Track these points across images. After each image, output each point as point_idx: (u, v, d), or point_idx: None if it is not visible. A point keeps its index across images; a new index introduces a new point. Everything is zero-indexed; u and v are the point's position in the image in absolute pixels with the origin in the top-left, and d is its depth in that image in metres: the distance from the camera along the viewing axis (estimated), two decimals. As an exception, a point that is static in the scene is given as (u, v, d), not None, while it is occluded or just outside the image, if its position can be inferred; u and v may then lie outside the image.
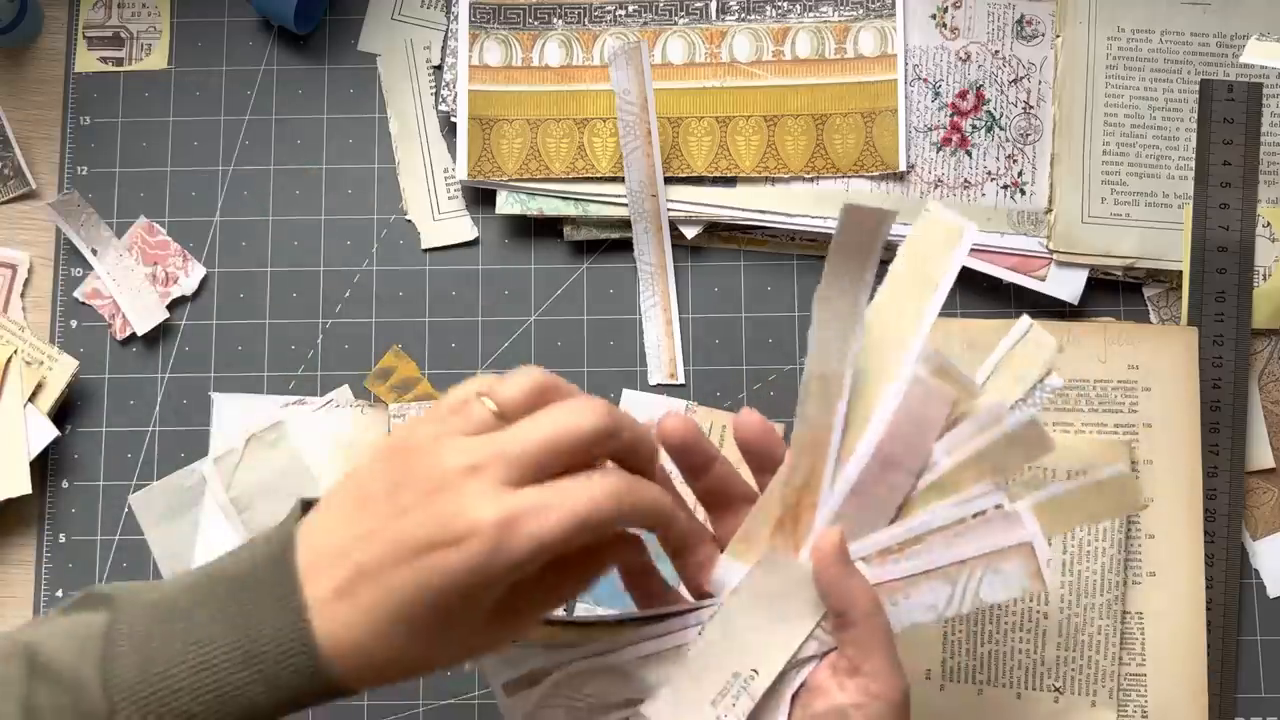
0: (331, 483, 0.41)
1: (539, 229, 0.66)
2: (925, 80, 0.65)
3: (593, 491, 0.37)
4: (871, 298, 0.45)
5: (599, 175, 0.64)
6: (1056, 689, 0.58)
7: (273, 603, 0.37)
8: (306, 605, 0.37)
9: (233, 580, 0.38)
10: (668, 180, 0.64)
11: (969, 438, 0.44)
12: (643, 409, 0.63)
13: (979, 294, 0.65)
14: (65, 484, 0.64)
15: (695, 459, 0.45)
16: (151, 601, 0.39)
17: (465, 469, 0.37)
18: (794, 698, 0.43)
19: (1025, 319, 0.47)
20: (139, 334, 0.65)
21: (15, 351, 0.63)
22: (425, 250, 0.66)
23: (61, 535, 0.64)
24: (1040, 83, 0.65)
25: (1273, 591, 0.62)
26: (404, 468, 0.38)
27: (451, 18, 0.66)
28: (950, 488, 0.44)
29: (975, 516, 0.43)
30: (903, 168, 0.64)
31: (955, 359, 0.59)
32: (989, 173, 0.64)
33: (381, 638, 0.37)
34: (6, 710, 0.36)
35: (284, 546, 0.38)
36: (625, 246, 0.65)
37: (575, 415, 0.39)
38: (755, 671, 0.43)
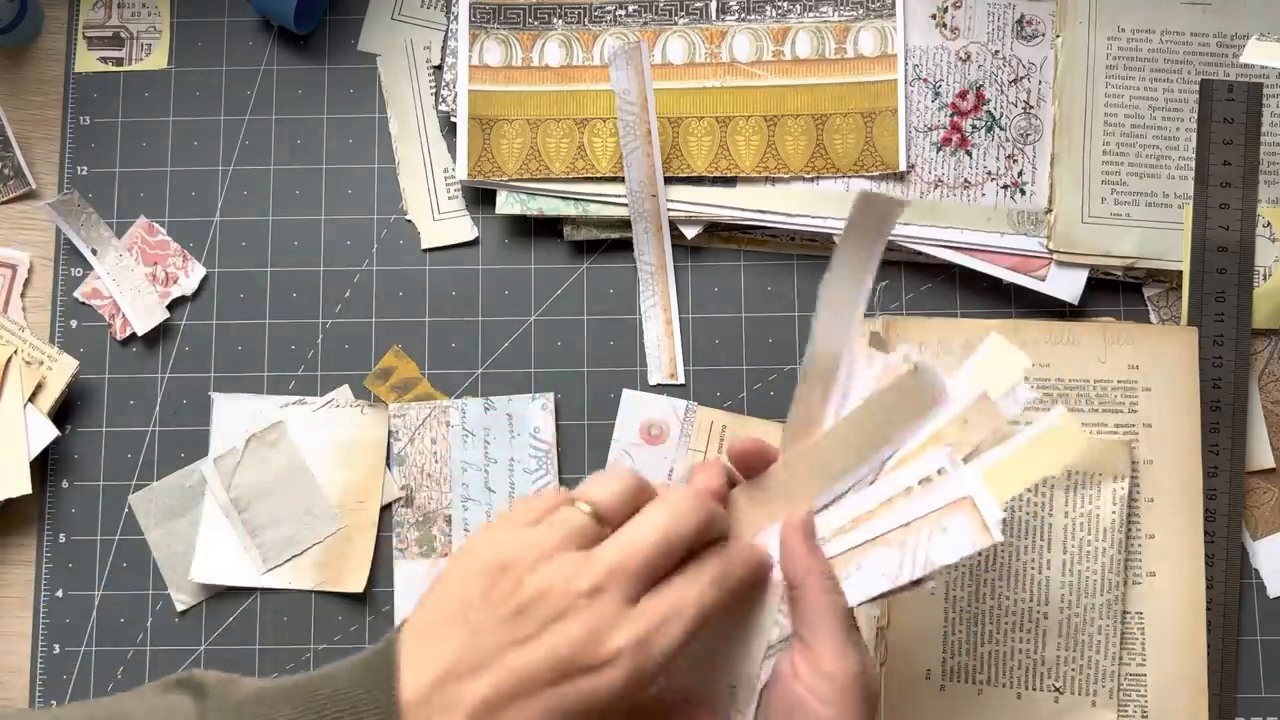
0: (421, 597, 0.40)
1: (539, 229, 0.66)
2: (925, 80, 0.65)
3: (702, 588, 0.39)
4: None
5: (599, 175, 0.64)
6: (1056, 689, 0.58)
7: None
8: None
9: (332, 697, 0.37)
10: (668, 180, 0.64)
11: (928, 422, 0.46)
12: (643, 409, 0.63)
13: (979, 294, 0.65)
14: (65, 484, 0.64)
15: (759, 465, 0.47)
16: (238, 701, 0.38)
17: (586, 591, 0.37)
18: (764, 688, 0.43)
19: (994, 336, 0.48)
20: (139, 334, 0.65)
21: (15, 351, 0.63)
22: (425, 250, 0.66)
23: (61, 535, 0.64)
24: (1040, 83, 0.65)
25: (1273, 591, 0.62)
26: (512, 589, 0.38)
27: (451, 18, 0.66)
28: (905, 462, 0.45)
29: (921, 484, 0.44)
30: (903, 168, 0.64)
31: (953, 358, 0.59)
32: (989, 173, 0.64)
33: None
34: None
35: (387, 667, 0.37)
36: (625, 246, 0.65)
37: (678, 518, 0.39)
38: (733, 686, 0.43)
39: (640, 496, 0.41)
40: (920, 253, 0.64)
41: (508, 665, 0.36)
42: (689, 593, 0.39)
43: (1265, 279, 0.63)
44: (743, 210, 0.64)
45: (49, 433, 0.62)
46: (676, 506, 0.40)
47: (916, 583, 0.44)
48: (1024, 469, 0.44)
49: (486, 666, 0.37)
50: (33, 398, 0.63)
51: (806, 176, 0.64)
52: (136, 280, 0.65)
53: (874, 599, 0.44)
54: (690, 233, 0.65)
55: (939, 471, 0.44)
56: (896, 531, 0.43)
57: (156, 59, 0.68)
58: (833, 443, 0.45)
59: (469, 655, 0.37)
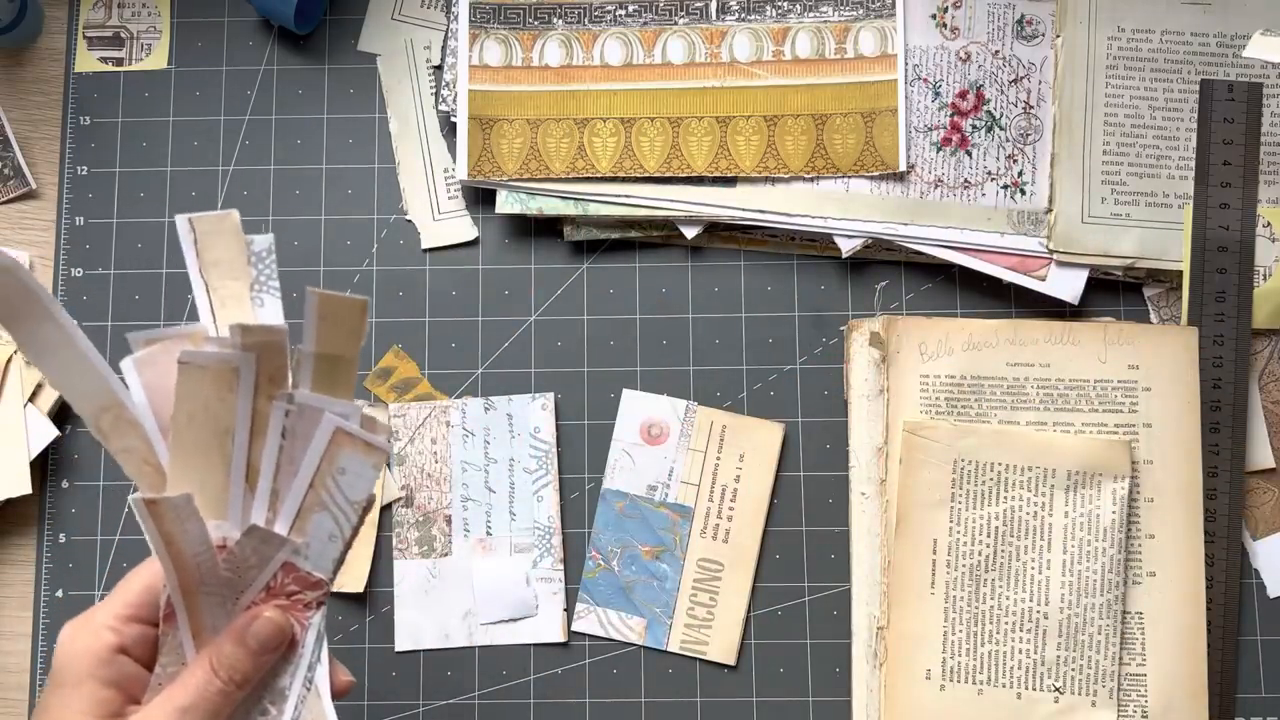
0: None
1: (539, 229, 0.66)
2: (925, 80, 0.65)
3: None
4: None
5: (599, 175, 0.64)
6: (1056, 689, 0.58)
7: None
8: None
9: None
10: (668, 180, 0.64)
11: None
12: (643, 409, 0.63)
13: (979, 294, 0.65)
14: (65, 484, 0.64)
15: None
16: None
17: None
18: None
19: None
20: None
21: (15, 351, 0.63)
22: (425, 250, 0.66)
23: (61, 535, 0.64)
24: (1040, 83, 0.65)
25: (1273, 591, 0.62)
26: None
27: (451, 18, 0.66)
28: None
29: (284, 434, 0.41)
30: (903, 168, 0.64)
31: (955, 357, 0.59)
32: (989, 173, 0.64)
33: None
34: None
35: None
36: (625, 246, 0.65)
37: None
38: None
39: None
40: (920, 253, 0.64)
41: None
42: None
43: (1265, 279, 0.63)
44: (743, 210, 0.64)
45: (49, 433, 0.62)
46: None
47: (363, 516, 0.42)
48: (332, 354, 0.43)
49: None
50: (33, 398, 0.63)
51: (806, 176, 0.64)
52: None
53: (339, 559, 0.42)
54: (690, 233, 0.65)
55: (287, 409, 0.42)
56: (309, 495, 0.42)
57: (156, 59, 0.68)
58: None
59: None
